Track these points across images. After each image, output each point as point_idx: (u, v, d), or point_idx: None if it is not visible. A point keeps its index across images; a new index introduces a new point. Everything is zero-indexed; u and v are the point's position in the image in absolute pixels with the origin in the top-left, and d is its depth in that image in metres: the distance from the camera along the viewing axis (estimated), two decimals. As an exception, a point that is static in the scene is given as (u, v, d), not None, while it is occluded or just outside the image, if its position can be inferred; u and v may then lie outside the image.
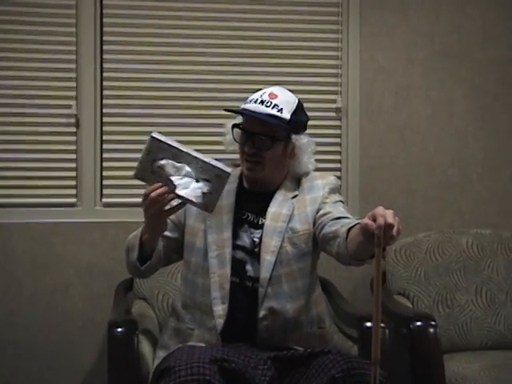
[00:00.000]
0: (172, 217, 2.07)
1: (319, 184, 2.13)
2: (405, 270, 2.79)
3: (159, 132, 1.87)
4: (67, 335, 2.88)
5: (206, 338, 2.03)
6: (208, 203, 1.87)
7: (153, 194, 1.85)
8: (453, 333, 2.71)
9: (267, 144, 2.06)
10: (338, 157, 3.04)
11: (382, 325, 2.13)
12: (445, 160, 3.09)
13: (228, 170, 1.84)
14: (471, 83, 3.10)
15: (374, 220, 1.57)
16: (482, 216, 3.09)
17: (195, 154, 1.84)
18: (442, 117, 3.09)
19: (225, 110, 2.12)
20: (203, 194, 1.84)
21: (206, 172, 1.83)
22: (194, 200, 1.84)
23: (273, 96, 2.07)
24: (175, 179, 1.83)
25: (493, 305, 2.76)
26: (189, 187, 1.83)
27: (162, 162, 1.83)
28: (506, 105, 3.12)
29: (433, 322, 2.31)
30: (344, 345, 2.24)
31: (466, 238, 2.88)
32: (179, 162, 1.83)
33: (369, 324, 2.13)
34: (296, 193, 2.13)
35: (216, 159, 1.87)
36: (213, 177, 1.84)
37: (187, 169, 1.83)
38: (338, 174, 3.02)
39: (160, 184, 1.84)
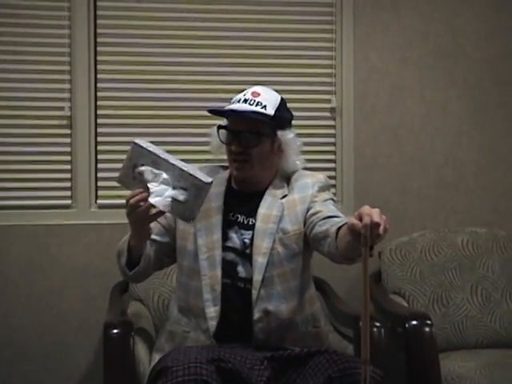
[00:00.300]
0: (162, 221, 2.11)
1: (308, 183, 2.13)
2: (400, 270, 2.80)
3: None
4: (63, 337, 2.88)
5: (200, 341, 2.03)
6: (185, 212, 1.86)
7: (132, 201, 1.87)
8: (448, 332, 2.71)
9: (254, 141, 2.07)
10: (332, 156, 3.05)
11: (378, 324, 2.14)
12: (439, 159, 3.10)
13: (206, 179, 1.83)
14: (465, 82, 3.10)
15: (361, 219, 1.57)
16: (476, 215, 3.10)
17: (174, 161, 1.84)
18: (436, 116, 3.10)
19: (208, 111, 2.13)
20: (178, 202, 1.83)
21: (183, 180, 1.83)
22: (162, 209, 1.84)
23: (256, 94, 2.10)
24: (151, 186, 1.83)
25: (488, 303, 2.77)
26: (162, 195, 1.83)
27: (142, 168, 1.84)
28: (500, 104, 3.12)
29: (428, 321, 2.31)
30: (340, 344, 2.24)
31: (461, 237, 2.88)
32: (158, 169, 1.84)
33: (364, 323, 2.13)
34: (286, 192, 2.13)
35: (199, 168, 1.90)
36: (189, 185, 1.83)
37: (164, 176, 1.83)
38: (333, 173, 3.03)
39: (140, 190, 1.86)
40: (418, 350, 2.29)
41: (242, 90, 2.17)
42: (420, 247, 2.84)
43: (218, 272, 2.05)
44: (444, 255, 2.83)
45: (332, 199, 2.14)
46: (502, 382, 2.30)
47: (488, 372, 2.33)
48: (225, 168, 2.21)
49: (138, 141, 1.85)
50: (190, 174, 1.83)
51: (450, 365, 2.43)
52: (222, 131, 2.11)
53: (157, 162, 1.84)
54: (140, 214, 1.88)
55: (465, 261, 2.83)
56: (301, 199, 2.10)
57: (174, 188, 1.83)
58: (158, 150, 1.85)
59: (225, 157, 2.15)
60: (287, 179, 2.17)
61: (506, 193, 3.13)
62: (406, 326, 2.30)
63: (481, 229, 2.94)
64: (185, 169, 1.83)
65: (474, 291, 2.78)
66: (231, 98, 2.15)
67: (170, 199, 1.83)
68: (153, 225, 2.12)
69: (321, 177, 2.18)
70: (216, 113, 2.14)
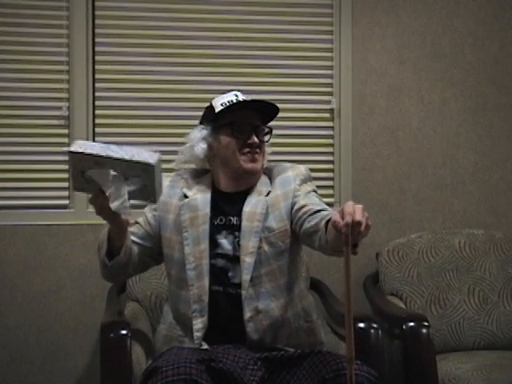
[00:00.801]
0: (146, 227, 2.14)
1: (290, 176, 2.15)
2: (398, 271, 2.80)
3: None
4: (60, 337, 2.87)
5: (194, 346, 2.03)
6: (147, 196, 1.85)
7: (95, 209, 1.87)
8: (445, 333, 2.71)
9: (268, 134, 2.17)
10: (330, 157, 3.05)
11: (375, 325, 2.14)
12: (437, 161, 3.10)
13: (152, 160, 1.79)
14: (463, 84, 3.11)
15: (343, 217, 1.56)
16: (474, 216, 3.10)
17: (116, 154, 1.79)
18: (433, 117, 3.10)
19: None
20: (136, 191, 1.82)
21: (132, 169, 1.80)
22: (124, 215, 1.84)
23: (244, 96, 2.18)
24: (105, 189, 1.81)
25: (485, 305, 2.77)
26: (119, 195, 1.81)
27: (88, 173, 1.81)
28: (497, 106, 3.12)
29: (425, 323, 2.31)
30: (337, 345, 2.24)
31: (459, 239, 2.88)
32: (104, 168, 1.80)
33: (361, 325, 2.13)
34: (269, 189, 2.14)
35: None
36: (140, 172, 1.80)
37: (112, 173, 1.80)
38: (331, 174, 3.03)
39: (97, 195, 1.84)
40: (415, 352, 2.29)
41: (242, 90, 2.24)
42: (417, 249, 2.84)
43: (206, 282, 2.04)
44: (441, 257, 2.83)
45: (314, 191, 2.15)
46: (499, 383, 2.30)
47: (485, 373, 2.33)
48: (205, 172, 2.22)
49: (72, 148, 1.80)
50: (136, 162, 1.78)
51: (447, 366, 2.43)
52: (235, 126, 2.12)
53: (99, 163, 1.79)
54: (107, 215, 1.87)
55: (462, 262, 2.83)
56: (284, 195, 2.11)
57: (126, 179, 1.81)
58: (95, 148, 1.80)
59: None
60: (269, 174, 2.19)
61: (503, 194, 3.13)
62: (404, 327, 2.30)
63: (478, 230, 2.94)
64: (128, 158, 1.78)
65: (471, 293, 2.78)
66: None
67: (128, 203, 1.81)
68: (135, 229, 2.13)
69: (302, 169, 2.19)
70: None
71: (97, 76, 2.90)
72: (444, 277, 2.80)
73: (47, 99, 2.87)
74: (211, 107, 2.16)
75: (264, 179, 2.17)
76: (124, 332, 2.07)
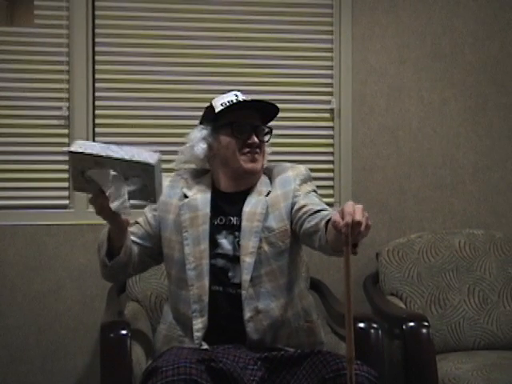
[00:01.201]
0: (146, 227, 2.14)
1: (290, 177, 2.15)
2: (398, 271, 2.80)
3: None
4: (59, 337, 2.87)
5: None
6: (147, 196, 1.85)
7: (95, 209, 1.87)
8: (445, 333, 2.72)
9: (268, 134, 2.17)
10: (330, 157, 3.05)
11: (375, 325, 2.14)
12: (437, 161, 3.10)
13: (152, 160, 1.79)
14: (463, 84, 3.11)
15: (343, 217, 1.57)
16: (474, 216, 3.10)
17: (115, 154, 1.78)
18: (433, 117, 3.10)
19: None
20: (136, 191, 1.82)
21: (132, 169, 1.79)
22: (124, 215, 1.84)
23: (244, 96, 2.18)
24: (105, 189, 1.81)
25: (485, 305, 2.77)
26: (119, 195, 1.80)
27: (88, 173, 1.81)
28: (497, 106, 3.12)
29: (425, 323, 2.31)
30: (337, 345, 2.24)
31: (459, 239, 2.88)
32: (104, 168, 1.79)
33: (361, 325, 2.13)
34: (269, 189, 2.14)
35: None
36: (140, 172, 1.80)
37: (112, 173, 1.80)
38: (331, 174, 3.03)
39: (97, 195, 1.84)
40: (415, 352, 2.29)
41: (242, 90, 2.25)
42: (417, 249, 2.84)
43: (206, 282, 2.04)
44: (441, 257, 2.83)
45: (314, 191, 2.15)
46: (499, 383, 2.30)
47: (485, 373, 2.33)
48: (205, 172, 2.22)
49: (72, 148, 1.80)
50: (136, 162, 1.78)
51: (447, 366, 2.43)
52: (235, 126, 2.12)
53: (99, 163, 1.79)
54: (108, 215, 1.87)
55: (462, 262, 2.83)
56: (284, 195, 2.11)
57: (126, 179, 1.81)
58: (95, 148, 1.79)
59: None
60: (269, 174, 2.19)
61: (503, 194, 3.13)
62: (404, 327, 2.30)
63: (478, 230, 2.94)
64: (127, 158, 1.78)
65: (471, 293, 2.78)
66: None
67: (128, 203, 1.81)
68: (135, 229, 2.13)
69: (302, 169, 2.19)
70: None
71: (97, 76, 2.90)
72: (444, 277, 2.80)
73: (47, 99, 2.88)
74: (211, 107, 2.16)
75: (264, 179, 2.17)
76: (124, 332, 2.07)
